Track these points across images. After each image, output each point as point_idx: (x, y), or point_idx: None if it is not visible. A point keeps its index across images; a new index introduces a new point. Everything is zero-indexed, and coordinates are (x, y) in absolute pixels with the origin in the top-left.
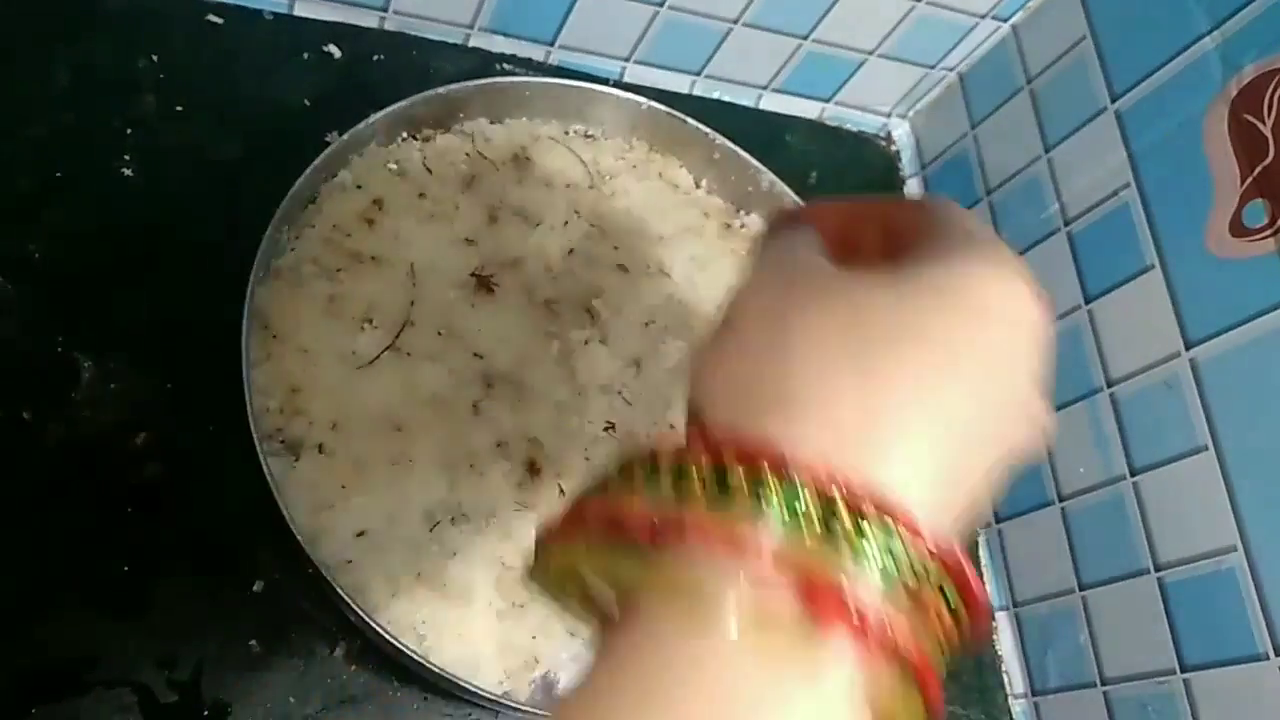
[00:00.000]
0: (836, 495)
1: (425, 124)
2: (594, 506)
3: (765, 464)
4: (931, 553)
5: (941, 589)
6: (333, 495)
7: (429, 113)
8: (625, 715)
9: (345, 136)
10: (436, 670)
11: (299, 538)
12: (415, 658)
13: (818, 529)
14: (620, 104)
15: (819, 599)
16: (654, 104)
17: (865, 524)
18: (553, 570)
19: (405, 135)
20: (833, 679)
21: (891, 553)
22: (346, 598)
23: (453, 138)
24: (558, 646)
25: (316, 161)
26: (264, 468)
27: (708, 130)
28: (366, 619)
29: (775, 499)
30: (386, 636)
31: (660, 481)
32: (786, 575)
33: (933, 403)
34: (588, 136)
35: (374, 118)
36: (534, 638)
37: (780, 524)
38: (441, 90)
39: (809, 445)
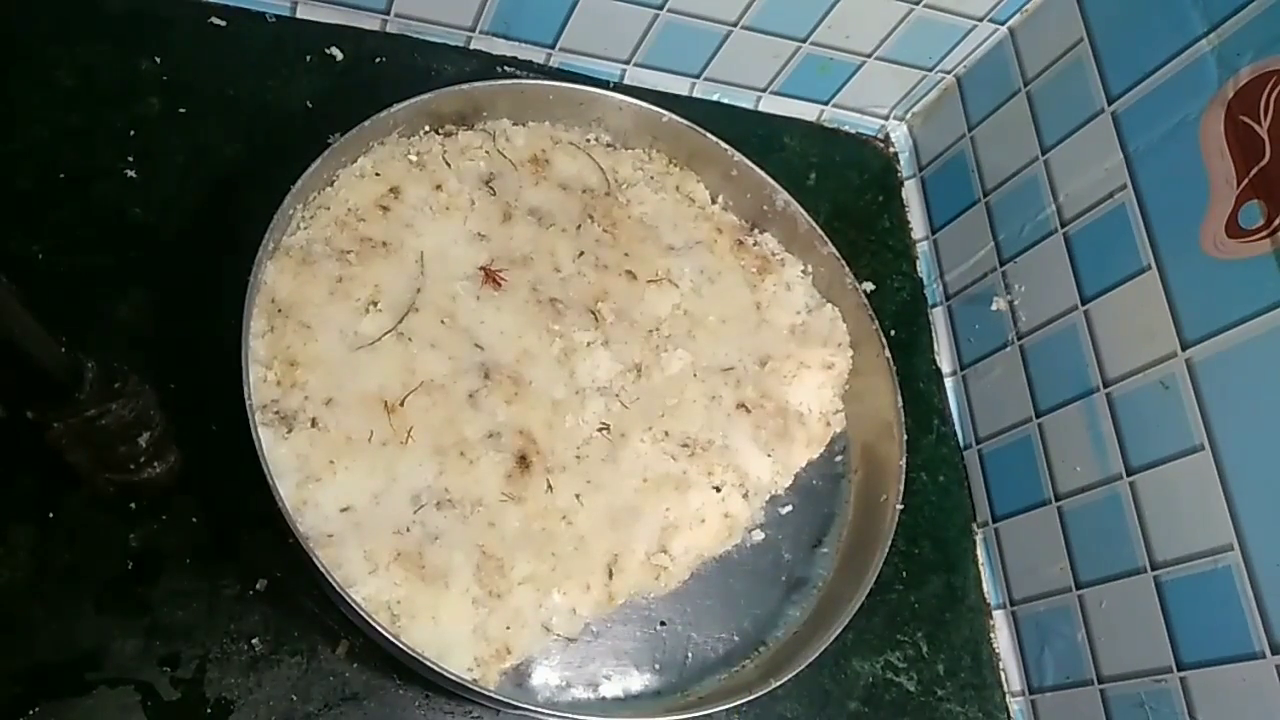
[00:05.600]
0: None
1: (448, 119)
2: None
3: None
4: None
5: None
6: (321, 469)
7: (453, 108)
8: None
9: (367, 123)
10: (404, 649)
11: (282, 506)
12: (385, 635)
13: None
14: (642, 115)
15: None
16: (675, 117)
17: None
18: None
19: (427, 129)
20: None
21: None
22: (323, 570)
23: (474, 135)
24: (531, 639)
25: (336, 145)
26: (254, 436)
27: (726, 146)
28: (341, 592)
29: None
30: (359, 611)
31: None
32: None
33: None
34: (608, 145)
35: (397, 108)
36: (508, 628)
37: None
38: (466, 87)
39: None
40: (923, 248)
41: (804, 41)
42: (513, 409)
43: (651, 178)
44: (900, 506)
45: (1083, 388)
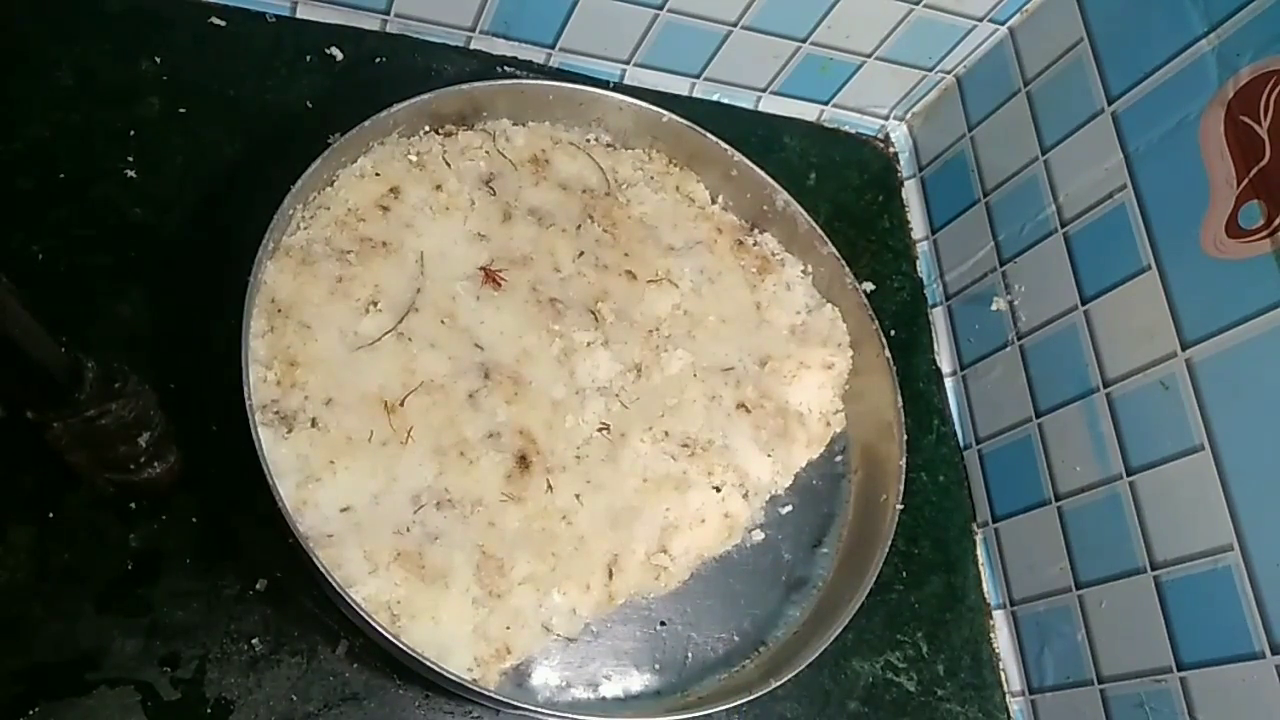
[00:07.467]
0: None
1: (448, 119)
2: None
3: None
4: None
5: None
6: (321, 469)
7: (453, 108)
8: None
9: (367, 123)
10: (404, 649)
11: (282, 506)
12: (385, 635)
13: None
14: (642, 115)
15: None
16: (675, 117)
17: None
18: None
19: (427, 129)
20: None
21: None
22: (323, 570)
23: (474, 135)
24: (531, 639)
25: (336, 145)
26: (254, 436)
27: (726, 146)
28: (341, 592)
29: None
30: (359, 611)
31: None
32: None
33: None
34: (608, 145)
35: (397, 108)
36: (508, 628)
37: None
38: (466, 87)
39: None
40: (923, 248)
41: (804, 41)
42: (513, 409)
43: (651, 178)
44: (900, 506)
45: (1083, 388)
